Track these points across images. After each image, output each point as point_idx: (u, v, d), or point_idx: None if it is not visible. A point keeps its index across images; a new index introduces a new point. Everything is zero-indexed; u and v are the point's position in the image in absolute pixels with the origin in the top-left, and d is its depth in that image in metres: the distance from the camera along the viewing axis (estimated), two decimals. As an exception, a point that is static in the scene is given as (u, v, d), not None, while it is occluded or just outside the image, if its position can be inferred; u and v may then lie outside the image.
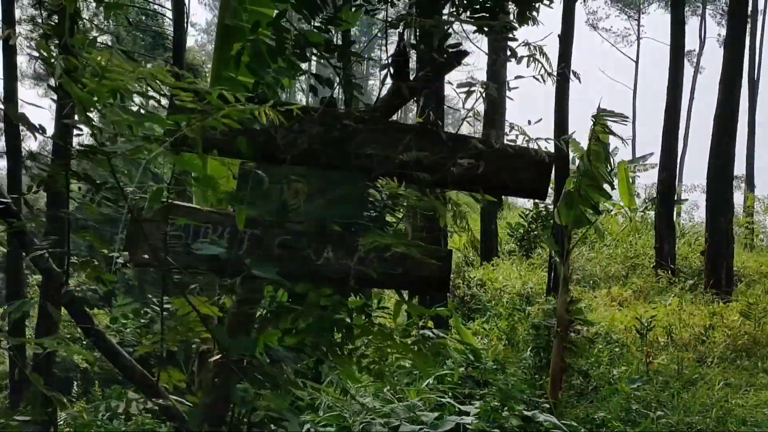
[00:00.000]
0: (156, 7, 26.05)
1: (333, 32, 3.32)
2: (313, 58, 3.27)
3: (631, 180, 25.37)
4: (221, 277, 3.01)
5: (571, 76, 3.83)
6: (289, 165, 3.04)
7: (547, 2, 3.59)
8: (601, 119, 7.52)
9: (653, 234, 17.17)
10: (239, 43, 3.15)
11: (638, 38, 47.01)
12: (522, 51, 3.15)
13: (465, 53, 3.22)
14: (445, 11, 3.19)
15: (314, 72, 3.32)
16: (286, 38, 3.14)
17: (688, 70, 42.10)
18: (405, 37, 3.13)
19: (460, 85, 3.16)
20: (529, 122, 3.13)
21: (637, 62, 46.62)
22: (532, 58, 3.11)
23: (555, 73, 2.97)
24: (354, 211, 2.98)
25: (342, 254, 2.96)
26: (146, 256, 2.83)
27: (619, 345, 11.88)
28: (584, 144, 8.09)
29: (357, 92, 3.28)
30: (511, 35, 3.16)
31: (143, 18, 25.55)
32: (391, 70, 3.12)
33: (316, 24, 3.14)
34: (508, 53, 3.15)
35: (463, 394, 7.52)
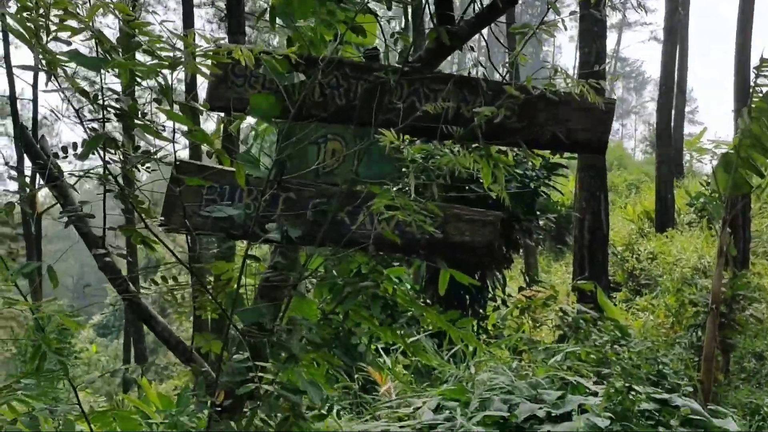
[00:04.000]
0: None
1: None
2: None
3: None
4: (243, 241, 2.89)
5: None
6: (324, 123, 2.85)
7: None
8: (764, 70, 6.60)
9: None
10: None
11: None
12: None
13: (518, -7, 2.84)
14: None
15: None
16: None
17: None
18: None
19: (513, 28, 2.80)
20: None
21: None
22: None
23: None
24: (388, 171, 2.74)
25: (372, 217, 2.74)
26: (177, 221, 2.77)
27: (805, 325, 10.57)
28: None
29: (403, 41, 3.01)
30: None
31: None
32: (433, 15, 2.82)
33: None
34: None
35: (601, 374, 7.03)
